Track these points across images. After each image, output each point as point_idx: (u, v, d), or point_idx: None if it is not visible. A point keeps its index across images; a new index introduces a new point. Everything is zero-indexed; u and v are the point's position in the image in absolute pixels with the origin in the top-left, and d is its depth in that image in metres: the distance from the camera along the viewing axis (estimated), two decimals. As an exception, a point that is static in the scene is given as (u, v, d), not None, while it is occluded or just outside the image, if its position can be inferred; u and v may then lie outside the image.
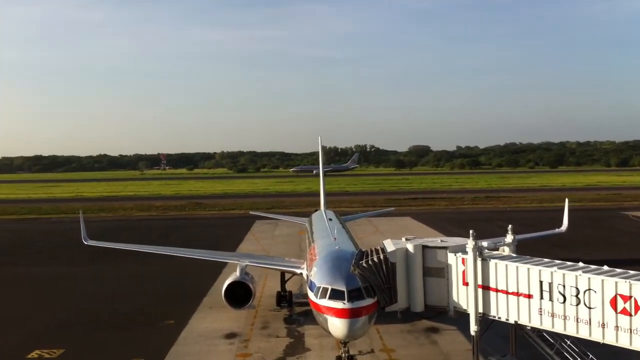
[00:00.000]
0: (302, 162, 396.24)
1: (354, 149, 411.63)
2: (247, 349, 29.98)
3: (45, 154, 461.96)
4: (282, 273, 38.36)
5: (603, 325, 20.91)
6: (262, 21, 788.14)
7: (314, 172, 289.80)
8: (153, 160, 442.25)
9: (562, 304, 22.02)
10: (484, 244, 24.84)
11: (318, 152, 62.81)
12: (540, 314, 22.73)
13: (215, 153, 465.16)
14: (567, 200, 43.39)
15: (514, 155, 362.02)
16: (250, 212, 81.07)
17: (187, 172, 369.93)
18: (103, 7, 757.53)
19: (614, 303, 20.67)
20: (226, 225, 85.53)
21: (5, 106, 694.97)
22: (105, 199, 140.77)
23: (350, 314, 23.62)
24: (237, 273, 34.20)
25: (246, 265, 35.38)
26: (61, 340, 31.98)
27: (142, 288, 45.18)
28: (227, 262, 45.14)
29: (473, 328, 24.41)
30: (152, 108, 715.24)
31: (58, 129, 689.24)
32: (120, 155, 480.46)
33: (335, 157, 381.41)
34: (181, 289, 44.00)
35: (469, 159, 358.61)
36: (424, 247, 25.92)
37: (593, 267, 22.01)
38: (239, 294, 33.62)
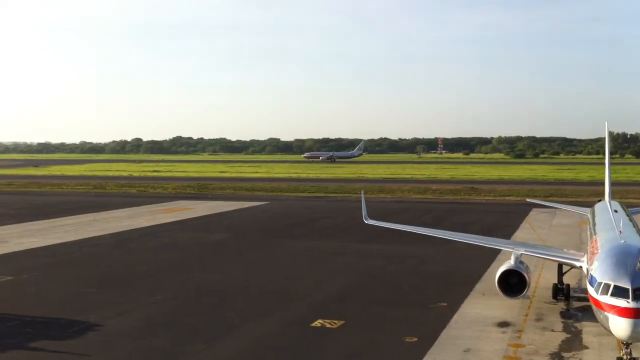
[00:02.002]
0: (586, 149, 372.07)
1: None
2: (520, 340, 29.45)
3: (332, 137, 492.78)
4: (560, 265, 36.78)
5: None
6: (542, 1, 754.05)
7: (320, 158, 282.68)
8: (430, 144, 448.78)
9: None
10: None
11: (604, 137, 58.61)
12: None
13: (492, 138, 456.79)
14: None
15: None
16: (527, 200, 78.60)
17: (463, 156, 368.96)
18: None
19: None
20: (501, 212, 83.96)
21: (296, 93, 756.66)
22: (385, 181, 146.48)
23: (635, 314, 22.04)
24: (512, 261, 33.60)
25: (521, 254, 34.60)
26: (341, 312, 34.28)
27: (418, 268, 46.56)
28: (500, 250, 44.50)
29: None
30: (430, 93, 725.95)
31: (346, 115, 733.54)
32: (400, 139, 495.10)
33: (624, 143, 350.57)
34: (454, 273, 44.46)
35: None
36: None
37: None
38: (513, 283, 33.02)
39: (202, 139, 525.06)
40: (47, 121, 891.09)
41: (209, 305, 36.26)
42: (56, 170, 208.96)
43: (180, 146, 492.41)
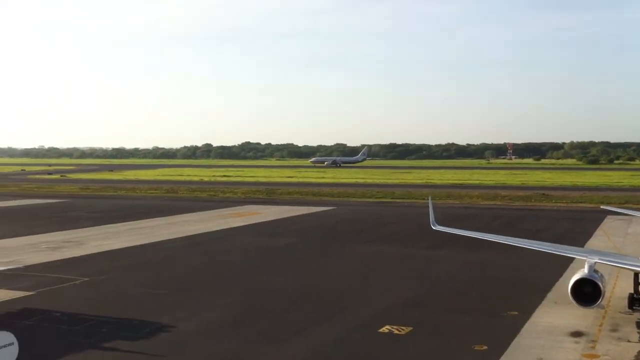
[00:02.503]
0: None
1: None
2: (594, 350, 28.64)
3: (399, 142, 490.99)
4: (636, 274, 35.51)
5: None
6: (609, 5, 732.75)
7: (325, 163, 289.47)
8: (499, 150, 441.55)
9: None
10: None
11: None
12: None
13: (564, 143, 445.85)
14: None
15: None
16: (601, 207, 76.37)
17: (534, 162, 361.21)
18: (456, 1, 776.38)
19: None
20: (574, 219, 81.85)
21: (364, 99, 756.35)
22: (452, 187, 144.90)
23: None
24: (585, 270, 32.70)
25: (595, 262, 33.62)
26: (409, 318, 34.06)
27: (487, 276, 45.85)
28: (574, 258, 43.35)
29: None
30: (499, 97, 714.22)
31: (411, 119, 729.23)
32: (468, 144, 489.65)
33: None
34: (525, 281, 43.60)
35: None
36: None
37: None
38: (587, 292, 32.12)
39: (270, 144, 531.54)
40: (122, 127, 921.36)
41: (277, 308, 36.66)
42: (130, 174, 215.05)
43: (249, 151, 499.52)
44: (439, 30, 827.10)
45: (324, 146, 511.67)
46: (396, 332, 31.73)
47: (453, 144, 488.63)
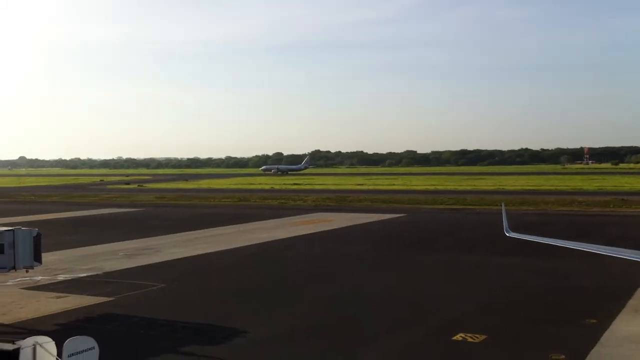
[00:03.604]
0: None
1: None
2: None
3: (471, 148, 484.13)
4: None
5: None
6: None
7: (272, 171, 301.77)
8: (575, 154, 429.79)
9: None
10: None
11: None
12: None
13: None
14: None
15: None
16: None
17: (612, 166, 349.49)
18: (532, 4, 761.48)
19: None
20: (656, 225, 78.73)
21: (434, 105, 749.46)
22: (527, 192, 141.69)
23: None
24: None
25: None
26: (483, 326, 33.45)
27: (563, 283, 44.60)
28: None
29: None
30: (574, 99, 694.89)
31: (484, 126, 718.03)
32: (542, 149, 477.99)
33: None
34: (603, 289, 42.19)
35: None
36: None
37: None
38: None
39: (340, 152, 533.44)
40: (196, 139, 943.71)
41: (349, 316, 36.66)
42: (204, 184, 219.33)
43: (319, 159, 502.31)
44: (511, 35, 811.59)
45: (394, 153, 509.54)
46: (470, 340, 31.21)
47: (526, 149, 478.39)
